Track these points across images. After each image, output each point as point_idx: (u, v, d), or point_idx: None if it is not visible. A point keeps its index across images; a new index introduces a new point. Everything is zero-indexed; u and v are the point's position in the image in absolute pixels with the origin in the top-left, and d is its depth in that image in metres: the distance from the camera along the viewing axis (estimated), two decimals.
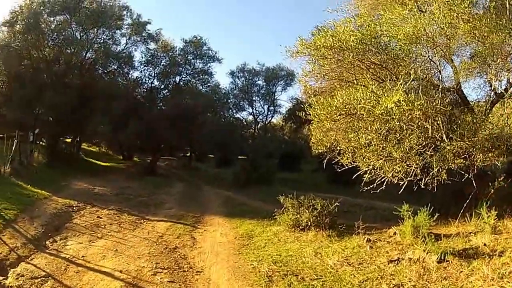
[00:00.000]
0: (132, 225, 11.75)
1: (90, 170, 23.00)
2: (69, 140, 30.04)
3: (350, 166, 8.58)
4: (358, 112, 7.11)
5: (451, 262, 6.38)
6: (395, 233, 8.68)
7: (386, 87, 7.09)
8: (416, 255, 6.96)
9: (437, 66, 7.87)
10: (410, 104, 6.48)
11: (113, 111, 25.54)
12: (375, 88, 7.04)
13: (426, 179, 7.34)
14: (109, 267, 7.81)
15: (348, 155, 8.49)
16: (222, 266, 8.40)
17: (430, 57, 7.71)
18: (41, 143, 24.72)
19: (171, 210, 15.03)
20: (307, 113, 8.20)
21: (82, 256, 8.36)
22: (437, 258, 6.47)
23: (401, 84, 6.58)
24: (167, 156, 40.62)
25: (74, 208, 12.65)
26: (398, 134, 7.27)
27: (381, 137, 7.45)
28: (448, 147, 6.99)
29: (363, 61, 8.01)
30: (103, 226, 11.14)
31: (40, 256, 7.93)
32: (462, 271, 6.09)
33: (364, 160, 8.07)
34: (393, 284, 6.29)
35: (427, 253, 6.75)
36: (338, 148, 8.94)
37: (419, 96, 6.61)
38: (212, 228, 12.33)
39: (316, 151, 9.86)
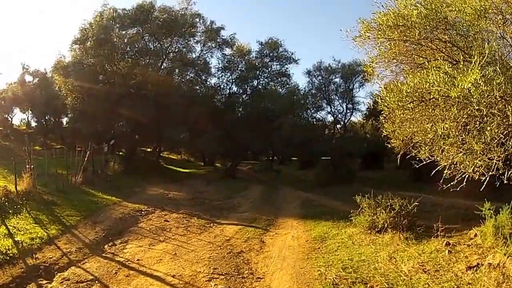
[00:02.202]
0: (199, 229, 11.41)
1: (168, 177, 23.37)
2: (149, 149, 30.92)
3: (430, 161, 7.67)
4: (432, 97, 6.22)
5: None
6: (475, 235, 7.81)
7: (460, 68, 6.09)
8: (496, 259, 6.22)
9: (510, 44, 6.87)
10: (488, 85, 5.47)
11: (191, 119, 25.70)
12: (449, 69, 6.09)
13: (509, 173, 6.40)
14: (162, 271, 7.46)
15: (425, 148, 7.61)
16: (286, 272, 7.76)
17: (502, 34, 6.80)
18: (120, 153, 25.49)
19: (245, 213, 14.58)
20: (377, 103, 7.42)
21: (138, 260, 8.08)
22: None
23: (475, 61, 5.58)
24: (250, 160, 40.72)
25: (143, 212, 12.60)
26: (478, 123, 6.33)
27: (459, 127, 6.54)
28: None
29: (432, 39, 7.22)
30: (168, 230, 10.90)
31: (93, 260, 7.74)
32: None
33: (443, 154, 7.22)
34: None
35: (507, 257, 6.03)
36: (414, 141, 8.01)
37: (497, 75, 5.58)
38: (284, 231, 11.71)
39: (389, 145, 8.96)
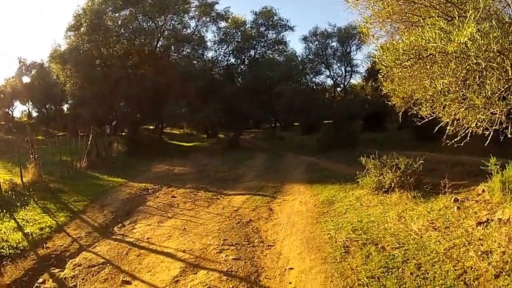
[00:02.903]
0: (207, 202, 11.37)
1: (172, 152, 23.20)
2: (152, 127, 30.67)
3: (432, 119, 7.50)
4: (429, 53, 6.01)
5: None
6: (483, 191, 7.65)
7: (455, 24, 5.85)
8: (506, 215, 6.11)
9: None
10: (485, 38, 5.23)
11: (191, 93, 25.50)
12: (444, 25, 5.84)
13: None
14: (172, 248, 7.41)
15: (427, 105, 7.38)
16: (296, 238, 7.72)
17: None
18: (122, 134, 25.27)
19: (251, 182, 14.52)
20: (375, 63, 7.18)
21: (147, 238, 8.03)
22: None
23: (470, 15, 5.34)
24: (253, 129, 40.48)
25: (150, 190, 12.52)
26: (477, 77, 6.13)
27: (459, 82, 6.34)
28: None
29: None
30: (176, 206, 10.85)
31: (103, 243, 7.67)
32: None
33: (445, 110, 7.03)
34: (481, 251, 5.48)
35: None
36: (414, 98, 7.84)
37: (494, 29, 5.34)
38: (291, 197, 11.67)
39: (390, 104, 8.77)
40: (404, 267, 5.57)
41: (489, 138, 6.49)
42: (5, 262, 6.15)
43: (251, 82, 27.78)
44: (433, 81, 6.55)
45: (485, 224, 6.28)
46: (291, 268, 6.31)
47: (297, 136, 33.57)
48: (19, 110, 60.32)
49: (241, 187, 13.54)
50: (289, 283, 5.82)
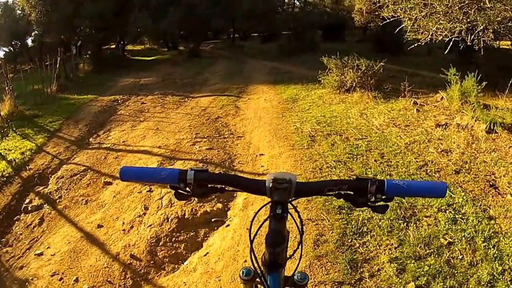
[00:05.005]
0: (175, 104, 11.08)
1: (136, 67, 21.83)
2: (113, 46, 29.00)
3: (395, 34, 8.06)
4: None
5: (500, 134, 5.66)
6: (442, 98, 7.81)
7: None
8: (464, 121, 6.22)
9: None
10: None
11: (152, 4, 24.01)
12: None
13: (472, 36, 6.34)
14: (148, 146, 7.29)
15: (389, 8, 7.32)
16: (264, 130, 7.72)
17: None
18: (87, 55, 23.83)
19: (216, 85, 14.12)
20: None
21: (123, 142, 7.81)
22: (486, 127, 5.76)
23: None
24: (211, 40, 38.97)
25: (119, 101, 11.92)
26: None
27: None
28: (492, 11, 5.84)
29: None
30: (146, 111, 10.48)
31: (82, 154, 7.35)
32: (511, 146, 5.33)
33: (406, 13, 7.02)
34: (441, 149, 5.63)
35: (475, 121, 6.04)
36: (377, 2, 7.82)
37: None
38: (256, 96, 11.55)
39: (349, 15, 8.61)
40: (368, 155, 5.67)
41: (450, 44, 6.69)
42: None
43: None
44: None
45: (444, 126, 6.41)
46: (262, 154, 6.34)
47: (257, 45, 32.30)
48: None
49: (206, 90, 13.18)
50: (261, 166, 5.86)
